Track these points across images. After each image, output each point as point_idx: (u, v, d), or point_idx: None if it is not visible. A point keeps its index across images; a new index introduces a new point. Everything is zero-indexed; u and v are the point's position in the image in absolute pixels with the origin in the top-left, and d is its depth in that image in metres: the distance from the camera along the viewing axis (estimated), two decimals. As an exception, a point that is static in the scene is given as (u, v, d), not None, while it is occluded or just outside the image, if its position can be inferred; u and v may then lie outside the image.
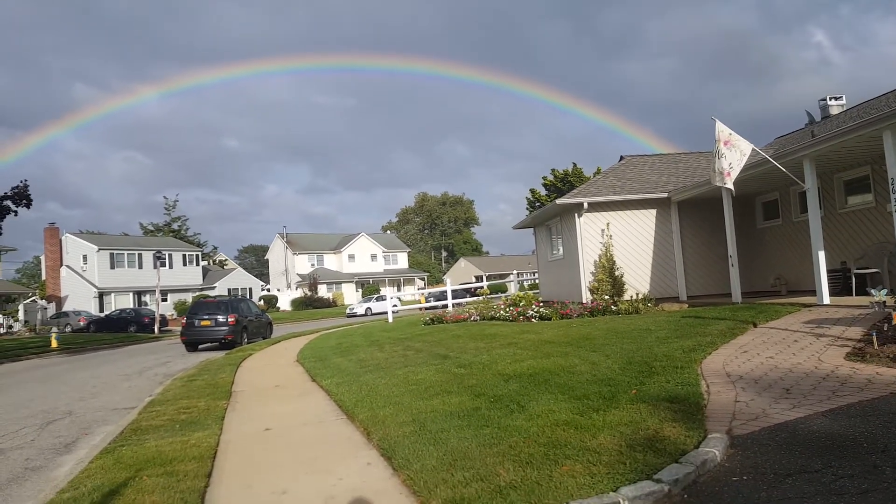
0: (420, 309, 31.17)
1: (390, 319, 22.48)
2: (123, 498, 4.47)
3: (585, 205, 16.37)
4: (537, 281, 25.32)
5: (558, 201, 16.94)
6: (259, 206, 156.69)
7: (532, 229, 23.21)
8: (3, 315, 42.49)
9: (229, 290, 57.19)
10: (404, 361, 10.09)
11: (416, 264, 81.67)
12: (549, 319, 14.21)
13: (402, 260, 74.82)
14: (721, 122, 11.14)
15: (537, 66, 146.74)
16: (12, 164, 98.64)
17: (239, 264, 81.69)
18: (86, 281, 49.80)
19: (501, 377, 7.34)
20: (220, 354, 16.50)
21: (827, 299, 10.88)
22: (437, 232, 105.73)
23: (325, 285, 63.97)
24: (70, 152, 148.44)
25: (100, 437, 7.33)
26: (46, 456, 6.74)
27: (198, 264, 58.30)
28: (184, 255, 56.69)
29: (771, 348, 7.37)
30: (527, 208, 56.99)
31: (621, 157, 21.34)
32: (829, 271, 11.46)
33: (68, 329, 38.71)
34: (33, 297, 49.04)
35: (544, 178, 56.20)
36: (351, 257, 69.15)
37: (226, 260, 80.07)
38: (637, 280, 16.51)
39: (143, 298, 51.85)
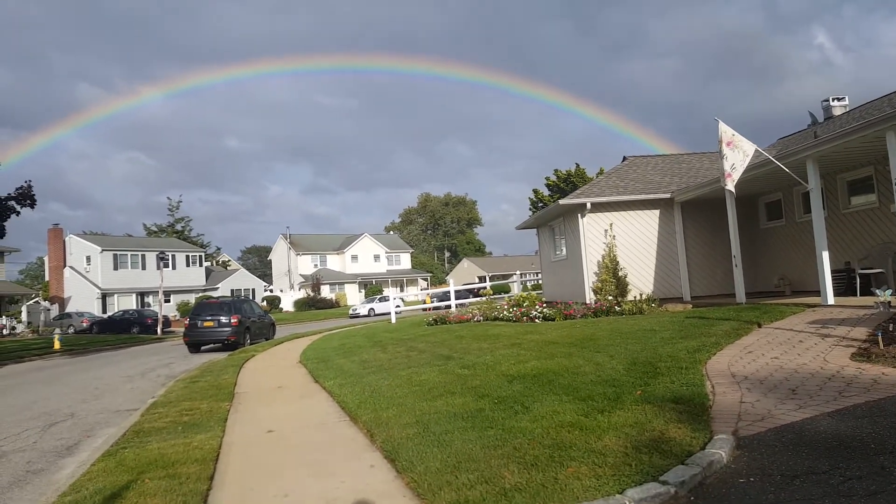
0: (424, 309, 31.15)
1: (393, 320, 22.46)
2: (125, 501, 4.45)
3: (588, 205, 16.34)
4: (540, 281, 25.29)
5: (561, 202, 16.91)
6: (262, 207, 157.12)
7: (535, 230, 23.18)
8: (6, 316, 42.60)
9: (232, 290, 57.25)
10: (407, 362, 10.07)
11: (419, 265, 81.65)
12: (553, 320, 14.18)
13: (405, 260, 74.80)
14: (724, 122, 11.10)
15: (540, 67, 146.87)
16: (16, 164, 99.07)
17: (242, 265, 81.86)
18: (89, 282, 49.89)
19: (505, 378, 7.31)
20: (222, 356, 16.49)
21: (831, 300, 10.83)
22: (440, 232, 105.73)
23: (328, 286, 63.99)
24: (74, 153, 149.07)
25: (102, 439, 7.32)
26: (48, 458, 6.73)
27: (201, 265, 58.37)
28: (187, 256, 56.75)
29: (776, 349, 7.33)
30: (530, 209, 56.98)
31: (624, 158, 21.30)
32: (833, 271, 11.41)
33: (71, 330, 38.76)
34: (36, 299, 49.17)
35: (547, 178, 56.22)
36: (354, 258, 69.15)
37: (229, 261, 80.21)
38: (640, 280, 16.47)
39: (146, 299, 51.93)
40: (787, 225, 15.43)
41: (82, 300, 49.08)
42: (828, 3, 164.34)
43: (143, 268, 52.69)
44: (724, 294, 15.86)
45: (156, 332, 35.63)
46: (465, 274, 78.30)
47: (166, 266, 40.10)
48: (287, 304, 60.05)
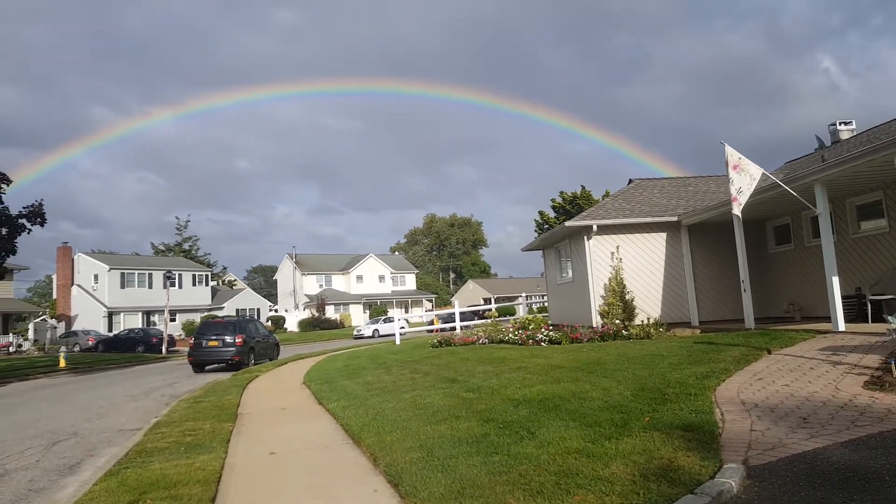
0: (428, 331, 31.03)
1: (398, 341, 22.37)
2: (126, 523, 4.40)
3: (595, 227, 16.31)
4: (546, 304, 25.17)
5: (567, 223, 16.90)
6: (269, 227, 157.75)
7: (541, 251, 23.14)
8: (13, 334, 42.72)
9: (237, 310, 57.31)
10: (412, 385, 9.99)
11: (424, 286, 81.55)
12: (559, 343, 14.07)
13: (409, 281, 74.75)
14: (730, 146, 11.12)
15: (545, 90, 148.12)
16: (29, 183, 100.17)
17: (248, 284, 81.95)
18: (96, 300, 50.09)
19: (511, 402, 7.23)
20: (226, 376, 16.43)
21: (842, 326, 10.70)
22: (446, 253, 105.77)
23: (332, 306, 63.92)
24: (85, 173, 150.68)
25: (105, 458, 7.27)
26: (51, 477, 6.68)
27: (207, 284, 58.55)
28: (193, 275, 56.97)
29: (786, 376, 7.23)
30: (535, 230, 57.00)
31: (630, 181, 21.31)
32: (843, 297, 11.28)
33: (77, 348, 38.82)
34: (43, 316, 49.34)
35: (553, 200, 56.34)
36: (359, 278, 69.19)
37: (235, 280, 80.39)
38: (648, 304, 16.36)
39: (151, 318, 52.01)
40: (796, 249, 15.34)
41: (89, 318, 49.21)
42: (833, 29, 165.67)
43: (150, 286, 52.91)
44: (732, 319, 15.71)
45: (161, 352, 35.61)
46: (470, 295, 78.09)
47: (173, 285, 40.25)
48: (292, 324, 59.98)
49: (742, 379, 7.26)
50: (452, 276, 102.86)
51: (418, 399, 8.30)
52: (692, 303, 16.24)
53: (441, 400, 8.01)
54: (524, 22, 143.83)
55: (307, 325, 58.42)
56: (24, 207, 22.34)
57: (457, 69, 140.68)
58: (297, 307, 64.78)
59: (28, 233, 22.52)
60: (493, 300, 47.90)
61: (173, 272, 46.86)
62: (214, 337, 20.08)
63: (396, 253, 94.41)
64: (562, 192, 55.92)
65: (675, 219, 16.32)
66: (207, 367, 20.43)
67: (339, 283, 69.53)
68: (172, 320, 47.83)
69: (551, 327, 17.20)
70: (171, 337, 38.62)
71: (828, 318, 11.23)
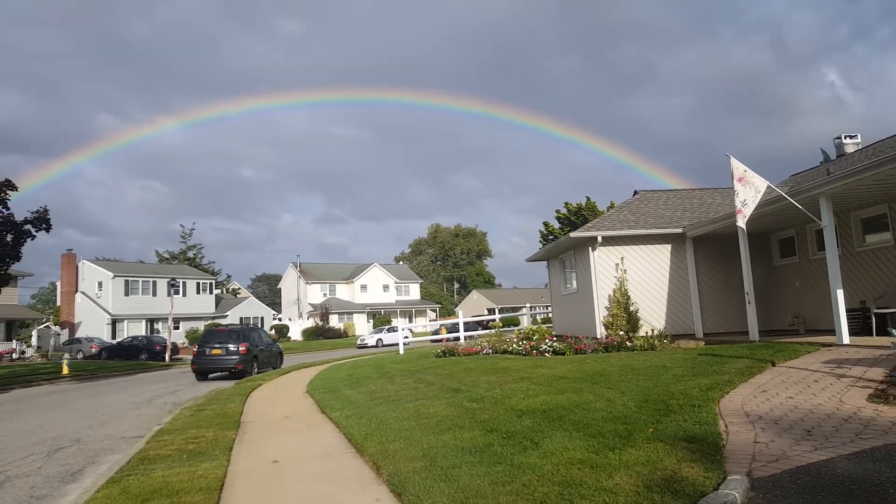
0: (432, 341, 31.00)
1: (401, 351, 22.35)
2: (129, 529, 4.40)
3: (600, 238, 16.32)
4: (550, 314, 25.13)
5: (572, 234, 16.92)
6: (273, 236, 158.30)
7: (545, 262, 23.14)
8: (17, 340, 42.82)
9: (241, 318, 57.33)
10: (415, 394, 9.98)
11: (428, 296, 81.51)
12: (563, 354, 14.04)
13: (414, 291, 74.73)
14: (736, 158, 11.14)
15: (550, 101, 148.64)
16: (34, 190, 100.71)
17: (252, 293, 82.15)
18: (100, 307, 50.22)
19: (514, 412, 7.22)
20: (230, 384, 16.44)
21: (847, 339, 10.66)
22: (450, 263, 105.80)
23: (336, 315, 63.92)
24: (90, 180, 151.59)
25: (107, 465, 7.27)
26: (52, 484, 6.68)
27: (211, 292, 58.63)
28: (198, 283, 57.06)
29: (790, 388, 7.20)
30: (540, 241, 56.93)
31: (635, 192, 21.34)
32: (848, 310, 11.24)
33: (80, 355, 38.86)
34: (47, 323, 49.46)
35: (557, 211, 56.24)
36: (363, 287, 69.20)
37: (239, 288, 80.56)
38: (652, 316, 16.32)
39: (155, 326, 52.10)
40: (801, 262, 15.31)
41: (93, 325, 49.33)
42: (838, 43, 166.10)
43: (154, 294, 53.02)
44: (736, 331, 15.66)
45: (164, 359, 35.62)
46: (474, 306, 77.99)
47: (177, 293, 40.28)
48: (295, 333, 59.96)
49: (746, 391, 7.24)
50: (457, 286, 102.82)
51: (422, 409, 8.29)
52: (696, 314, 16.20)
53: (444, 410, 8.00)
54: (530, 33, 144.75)
55: (311, 333, 58.40)
56: (29, 212, 22.46)
57: (463, 80, 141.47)
58: (301, 316, 64.79)
59: (33, 239, 22.58)
60: (497, 311, 47.75)
61: (177, 280, 46.89)
62: (218, 345, 20.11)
63: (401, 263, 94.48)
64: (567, 203, 55.88)
65: (679, 231, 16.33)
66: (211, 376, 20.43)
67: (344, 292, 69.56)
68: (176, 328, 47.91)
69: (555, 338, 17.17)
70: (174, 345, 38.65)
71: (832, 331, 11.19)
